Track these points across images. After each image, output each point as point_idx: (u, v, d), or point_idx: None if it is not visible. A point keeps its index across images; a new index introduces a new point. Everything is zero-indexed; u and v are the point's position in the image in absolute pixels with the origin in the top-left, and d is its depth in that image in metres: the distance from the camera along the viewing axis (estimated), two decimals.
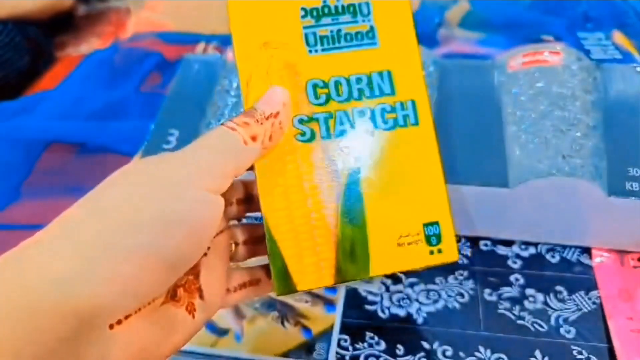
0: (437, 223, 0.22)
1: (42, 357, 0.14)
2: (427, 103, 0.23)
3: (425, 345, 0.29)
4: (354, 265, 0.22)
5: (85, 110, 0.46)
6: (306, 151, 0.22)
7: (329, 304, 0.31)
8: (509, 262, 0.33)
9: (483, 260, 0.33)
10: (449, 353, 0.29)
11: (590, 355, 0.28)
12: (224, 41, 0.51)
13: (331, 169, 0.22)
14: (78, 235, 0.16)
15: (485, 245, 0.34)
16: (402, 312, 0.31)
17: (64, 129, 0.44)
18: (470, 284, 0.32)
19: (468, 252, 0.34)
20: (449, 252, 0.22)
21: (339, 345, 0.29)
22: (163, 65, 0.51)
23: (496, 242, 0.34)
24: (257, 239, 0.24)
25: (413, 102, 0.23)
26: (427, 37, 0.49)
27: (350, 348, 0.29)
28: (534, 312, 0.30)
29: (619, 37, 0.44)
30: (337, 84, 0.22)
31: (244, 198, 0.24)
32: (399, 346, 0.29)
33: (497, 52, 0.42)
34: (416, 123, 0.23)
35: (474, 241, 0.34)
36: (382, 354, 0.29)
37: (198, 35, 0.53)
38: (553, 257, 0.33)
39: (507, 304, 0.31)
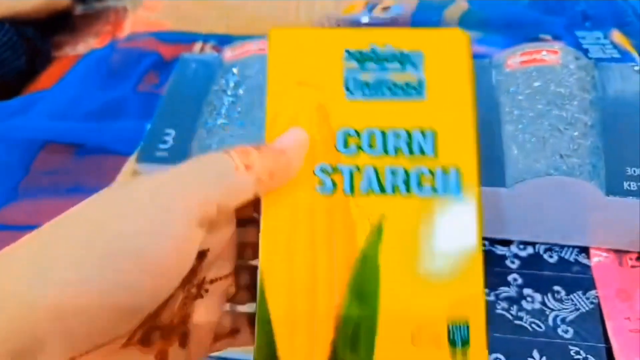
0: (466, 323, 0.18)
1: None
2: (474, 173, 0.20)
3: None
4: (353, 355, 0.18)
5: (81, 110, 0.46)
6: (323, 204, 0.19)
7: None
8: (507, 262, 0.33)
9: None
10: None
11: (588, 356, 0.28)
12: (222, 41, 0.51)
13: (348, 230, 0.19)
14: (27, 261, 0.14)
15: (483, 245, 0.34)
16: None
17: (61, 129, 0.44)
18: None
19: None
20: (477, 358, 0.18)
21: None
22: (160, 64, 0.51)
23: (494, 241, 0.34)
24: None
25: (457, 170, 0.19)
26: None
27: None
28: (532, 312, 0.30)
29: (617, 36, 0.44)
30: (371, 135, 0.20)
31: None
32: None
33: (495, 51, 0.42)
34: (457, 194, 0.19)
35: None
36: None
37: (195, 35, 0.53)
38: (551, 257, 0.33)
39: (504, 304, 0.31)
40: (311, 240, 0.19)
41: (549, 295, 0.31)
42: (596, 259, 0.32)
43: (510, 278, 0.32)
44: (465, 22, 0.50)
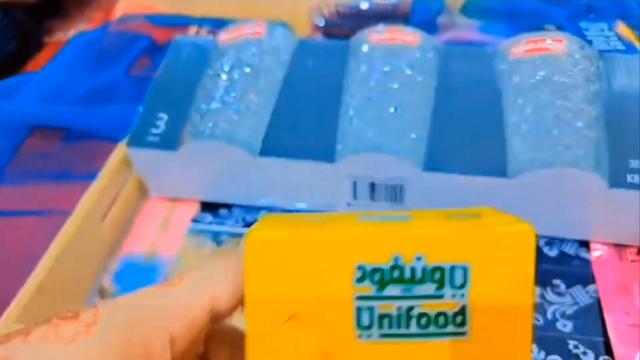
0: None
1: None
2: None
3: None
4: None
5: (70, 93, 0.44)
6: None
7: None
8: None
9: None
10: None
11: (587, 350, 0.27)
12: (217, 24, 0.49)
13: None
14: None
15: None
16: None
17: (50, 113, 0.43)
18: None
19: None
20: None
21: None
22: (153, 48, 0.49)
23: None
24: None
25: None
26: (426, 23, 0.47)
27: None
28: None
29: (622, 28, 0.44)
30: None
31: None
32: None
33: (498, 40, 0.41)
34: None
35: None
36: None
37: (190, 18, 0.51)
38: (551, 250, 0.32)
39: None
40: None
41: (549, 288, 0.30)
42: (596, 253, 0.32)
43: None
44: (467, 10, 0.49)
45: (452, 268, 0.14)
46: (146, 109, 0.34)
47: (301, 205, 0.35)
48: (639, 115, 0.30)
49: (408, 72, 0.33)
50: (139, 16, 0.52)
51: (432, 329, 0.14)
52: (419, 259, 0.14)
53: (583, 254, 0.32)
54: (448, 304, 0.14)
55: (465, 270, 0.14)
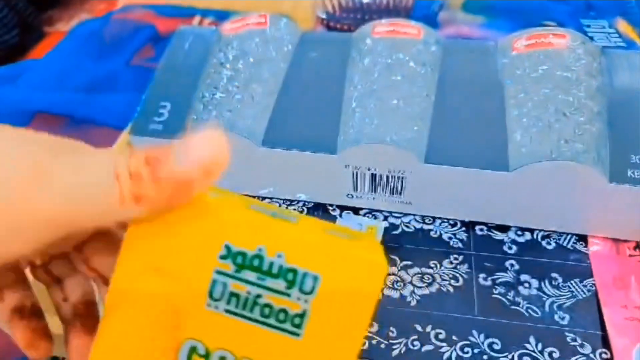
0: None
1: None
2: None
3: (418, 328, 0.29)
4: None
5: (73, 81, 0.44)
6: None
7: None
8: (505, 248, 0.32)
9: (478, 245, 0.33)
10: (441, 336, 0.28)
11: (584, 342, 0.28)
12: (220, 16, 0.49)
13: None
14: None
15: (481, 230, 0.33)
16: (395, 294, 0.30)
17: (52, 100, 0.43)
18: (465, 268, 0.31)
19: (463, 236, 0.33)
20: None
21: None
22: (156, 38, 0.49)
23: (492, 227, 0.33)
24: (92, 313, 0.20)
25: None
26: (427, 19, 0.48)
27: None
28: (529, 297, 0.30)
29: (622, 25, 0.44)
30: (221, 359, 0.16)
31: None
32: (392, 328, 0.29)
33: (499, 36, 0.41)
34: None
35: (469, 225, 0.34)
36: (374, 336, 0.28)
37: (193, 9, 0.51)
38: (549, 243, 0.32)
39: (501, 289, 0.30)
40: None
41: (546, 281, 0.30)
42: (594, 247, 0.32)
43: (507, 264, 0.32)
44: (469, 6, 0.49)
45: (305, 274, 0.16)
46: (149, 97, 0.34)
47: (301, 196, 0.35)
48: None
49: (411, 64, 0.33)
50: (141, 6, 0.52)
51: (271, 320, 0.16)
52: (279, 256, 0.16)
53: (581, 247, 0.32)
54: (292, 304, 0.16)
55: (315, 279, 0.16)
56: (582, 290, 0.30)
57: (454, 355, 0.27)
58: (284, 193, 0.35)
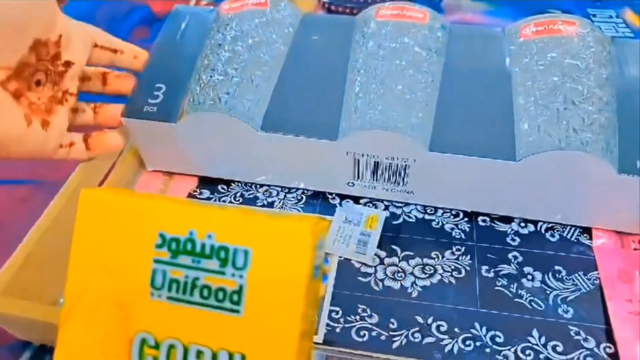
0: None
1: None
2: None
3: (419, 319, 0.28)
4: None
5: None
6: None
7: None
8: (508, 239, 0.32)
9: (481, 236, 0.32)
10: (443, 328, 0.28)
11: (588, 336, 0.27)
12: None
13: None
14: None
15: (484, 221, 0.33)
16: (396, 285, 0.30)
17: None
18: (467, 259, 0.31)
19: (466, 227, 0.32)
20: None
21: (329, 317, 0.28)
22: (150, 19, 0.48)
23: (495, 218, 0.33)
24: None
25: None
26: (432, 6, 0.46)
27: (342, 320, 0.28)
28: (532, 290, 0.29)
29: (630, 14, 0.43)
30: (170, 347, 0.17)
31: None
32: (392, 320, 0.28)
33: (503, 23, 0.41)
34: None
35: (472, 216, 0.33)
36: (374, 328, 0.28)
37: None
38: (552, 235, 0.32)
39: (504, 281, 0.30)
40: None
41: (550, 274, 0.30)
42: (598, 241, 0.31)
43: (510, 255, 0.31)
44: None
45: (236, 250, 0.16)
46: (143, 78, 0.33)
47: (300, 184, 0.34)
48: None
49: (416, 49, 0.32)
50: None
51: (212, 301, 0.16)
52: (209, 236, 0.17)
53: (585, 240, 0.31)
54: (228, 281, 0.16)
55: (246, 254, 0.16)
56: (586, 284, 0.29)
57: (455, 347, 0.27)
58: (282, 180, 0.34)
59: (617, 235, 0.31)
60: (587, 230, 0.32)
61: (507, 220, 0.33)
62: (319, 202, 0.34)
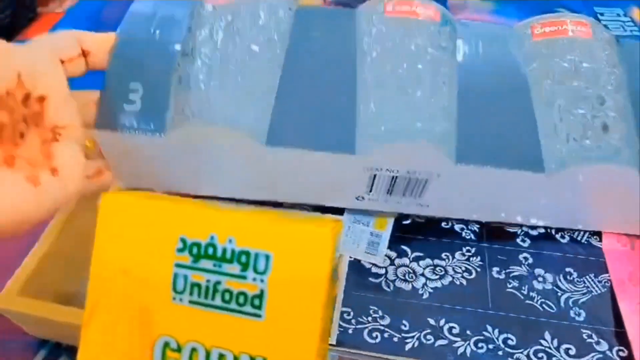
0: None
1: None
2: None
3: (431, 321, 0.28)
4: None
5: None
6: None
7: None
8: (518, 240, 0.32)
9: (491, 237, 0.32)
10: (455, 331, 0.27)
11: (600, 340, 0.27)
12: None
13: None
14: None
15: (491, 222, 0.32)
16: (407, 287, 0.29)
17: None
18: (477, 260, 0.31)
19: (475, 228, 0.32)
20: None
21: (341, 318, 0.28)
22: None
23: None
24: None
25: None
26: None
27: (354, 322, 0.28)
28: (543, 292, 0.29)
29: (637, 13, 0.43)
30: (193, 351, 0.17)
31: None
32: (404, 322, 0.28)
33: (509, 22, 0.40)
34: None
35: None
36: (387, 329, 0.27)
37: None
38: (563, 237, 0.32)
39: (515, 283, 0.29)
40: None
41: (561, 276, 0.30)
42: (608, 243, 0.31)
43: (521, 257, 0.31)
44: None
45: (257, 254, 0.17)
46: (113, 74, 0.26)
47: (307, 200, 0.31)
48: None
49: (431, 50, 0.31)
50: None
51: (233, 305, 0.17)
52: (230, 240, 0.17)
53: (595, 242, 0.31)
54: (249, 285, 0.17)
55: (267, 258, 0.16)
56: (597, 286, 0.29)
57: (468, 350, 0.27)
58: (286, 197, 0.30)
59: (627, 237, 0.31)
60: (597, 232, 0.32)
61: None
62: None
